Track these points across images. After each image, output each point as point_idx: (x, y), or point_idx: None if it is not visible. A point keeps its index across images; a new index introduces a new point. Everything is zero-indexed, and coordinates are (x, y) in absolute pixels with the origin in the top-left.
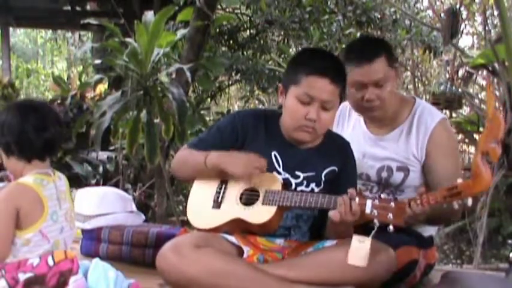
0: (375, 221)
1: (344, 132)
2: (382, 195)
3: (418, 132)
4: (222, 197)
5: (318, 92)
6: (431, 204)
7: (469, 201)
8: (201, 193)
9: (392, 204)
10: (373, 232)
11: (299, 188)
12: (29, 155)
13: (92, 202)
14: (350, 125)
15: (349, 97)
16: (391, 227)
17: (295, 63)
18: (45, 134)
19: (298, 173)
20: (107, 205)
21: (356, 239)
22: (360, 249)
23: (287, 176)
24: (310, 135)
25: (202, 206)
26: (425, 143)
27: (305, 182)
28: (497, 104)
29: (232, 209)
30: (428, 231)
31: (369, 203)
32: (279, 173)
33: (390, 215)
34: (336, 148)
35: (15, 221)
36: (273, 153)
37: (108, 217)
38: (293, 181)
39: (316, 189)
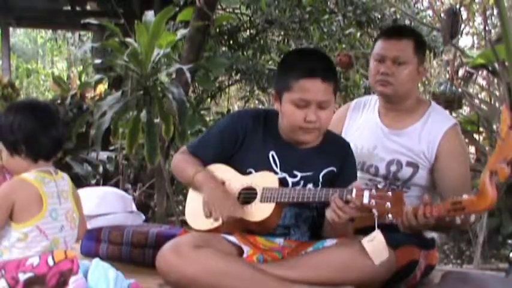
0: (374, 210)
1: (355, 124)
2: (379, 185)
3: (430, 134)
4: None
5: (312, 94)
6: (433, 215)
7: (472, 218)
8: (199, 194)
9: (389, 193)
10: (376, 223)
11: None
12: (36, 154)
13: (92, 202)
14: (363, 116)
15: (370, 70)
16: (390, 216)
17: (284, 67)
18: (54, 133)
19: (296, 172)
20: (107, 205)
21: (366, 241)
22: (376, 247)
23: (284, 175)
24: (314, 135)
25: (201, 207)
26: (435, 146)
27: (302, 182)
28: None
29: None
30: (430, 233)
31: (366, 193)
32: (276, 173)
33: (388, 204)
34: (335, 148)
35: (8, 213)
36: (270, 154)
37: (108, 217)
38: (290, 180)
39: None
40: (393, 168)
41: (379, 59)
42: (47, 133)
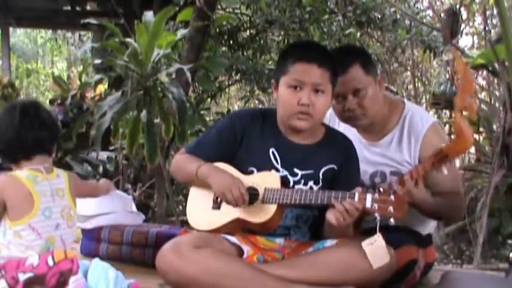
0: (376, 214)
1: None
2: (382, 189)
3: (410, 139)
4: None
5: (307, 76)
6: (422, 174)
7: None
8: (200, 194)
9: (392, 197)
10: (377, 226)
11: (297, 186)
12: (10, 160)
13: (91, 202)
14: (340, 128)
15: (333, 109)
16: (392, 220)
17: (283, 55)
18: (20, 142)
19: (296, 170)
20: (106, 204)
21: (366, 244)
22: (376, 250)
23: (285, 173)
24: (307, 122)
25: (202, 207)
26: (417, 151)
27: (303, 180)
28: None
29: (232, 209)
30: (427, 229)
31: (369, 197)
32: (278, 170)
33: (391, 208)
34: (336, 146)
35: (1, 211)
36: (270, 150)
37: (108, 217)
38: (291, 179)
39: (315, 187)
40: (377, 180)
41: (339, 97)
42: (20, 135)
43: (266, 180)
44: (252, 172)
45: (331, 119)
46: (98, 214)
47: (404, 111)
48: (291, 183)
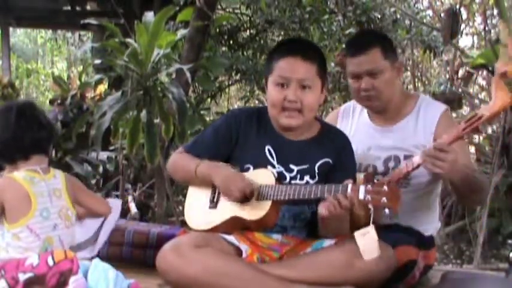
0: (369, 206)
1: (348, 128)
2: (376, 180)
3: (425, 122)
4: (218, 197)
5: (292, 71)
6: (457, 136)
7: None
8: (197, 194)
9: (385, 188)
10: (371, 218)
11: (293, 182)
12: (7, 161)
13: (78, 232)
14: (355, 121)
15: (350, 88)
16: (386, 211)
17: (269, 55)
18: (16, 142)
19: (292, 166)
20: (90, 224)
21: (358, 235)
22: (368, 242)
23: (281, 169)
24: (297, 119)
25: (200, 206)
26: (433, 131)
27: (299, 176)
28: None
29: (229, 207)
30: (429, 230)
31: (362, 188)
32: (274, 166)
33: (384, 199)
34: (331, 140)
35: (1, 213)
36: (266, 147)
37: (104, 230)
38: (287, 175)
39: (311, 182)
40: (391, 164)
41: (355, 77)
42: (17, 135)
43: (261, 177)
44: (248, 169)
45: (346, 110)
46: (95, 233)
47: (419, 100)
48: (287, 179)
